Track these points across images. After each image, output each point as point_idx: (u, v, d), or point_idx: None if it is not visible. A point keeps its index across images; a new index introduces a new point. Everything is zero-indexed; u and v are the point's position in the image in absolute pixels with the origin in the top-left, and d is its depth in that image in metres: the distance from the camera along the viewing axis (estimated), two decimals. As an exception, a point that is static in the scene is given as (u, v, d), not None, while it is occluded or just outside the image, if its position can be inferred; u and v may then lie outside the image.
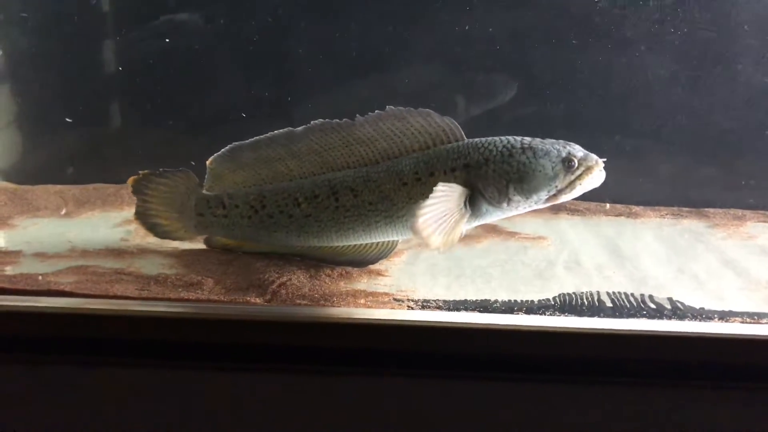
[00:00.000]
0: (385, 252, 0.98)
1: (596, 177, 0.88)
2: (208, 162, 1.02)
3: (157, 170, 1.04)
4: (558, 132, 1.25)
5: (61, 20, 1.37)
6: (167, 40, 1.32)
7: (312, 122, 0.95)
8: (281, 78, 1.34)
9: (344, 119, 0.93)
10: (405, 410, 0.81)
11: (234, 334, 0.83)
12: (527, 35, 1.24)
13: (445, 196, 0.84)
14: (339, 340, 0.82)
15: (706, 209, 1.27)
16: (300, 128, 0.96)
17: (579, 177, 0.87)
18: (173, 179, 1.03)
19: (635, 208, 1.28)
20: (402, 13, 1.28)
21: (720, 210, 1.27)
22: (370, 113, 0.92)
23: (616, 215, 1.25)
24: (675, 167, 1.30)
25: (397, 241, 0.98)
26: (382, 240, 0.97)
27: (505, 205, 0.88)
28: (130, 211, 1.24)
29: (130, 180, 1.04)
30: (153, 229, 1.06)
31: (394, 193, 0.91)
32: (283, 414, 0.82)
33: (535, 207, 0.89)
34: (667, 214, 1.26)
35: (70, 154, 1.43)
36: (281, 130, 0.97)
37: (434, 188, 0.82)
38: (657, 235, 1.16)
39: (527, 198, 0.87)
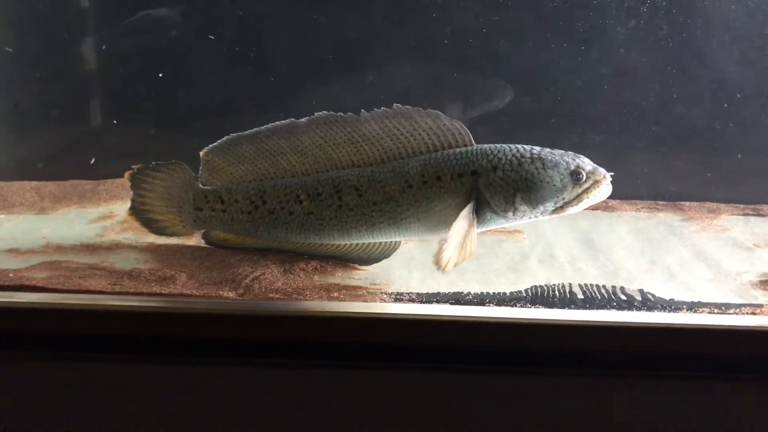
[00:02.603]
0: (388, 251, 0.98)
1: (603, 190, 0.88)
2: (202, 153, 1.00)
3: (150, 164, 1.02)
4: (532, 127, 1.27)
5: (39, 16, 1.37)
6: (145, 36, 1.32)
7: (316, 114, 0.93)
8: (262, 74, 1.34)
9: (349, 113, 0.92)
10: (377, 402, 0.81)
11: (206, 329, 0.83)
12: (501, 32, 1.25)
13: (460, 230, 0.84)
14: (311, 334, 0.82)
15: (682, 202, 1.29)
16: (303, 120, 0.94)
17: (587, 190, 0.88)
18: (169, 173, 1.01)
19: (612, 202, 1.28)
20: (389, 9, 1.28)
21: (695, 203, 1.28)
22: (376, 109, 0.91)
23: (593, 209, 1.26)
24: (652, 161, 1.32)
25: (401, 241, 0.98)
26: (385, 240, 0.97)
27: (510, 214, 0.88)
28: (107, 207, 1.25)
29: (127, 174, 1.02)
30: (149, 225, 1.04)
31: (399, 194, 0.91)
32: (254, 407, 0.82)
33: (541, 218, 0.90)
34: (643, 208, 1.27)
35: (48, 151, 1.42)
36: (283, 122, 0.95)
37: (452, 227, 0.84)
38: (632, 228, 1.17)
39: (533, 208, 0.88)
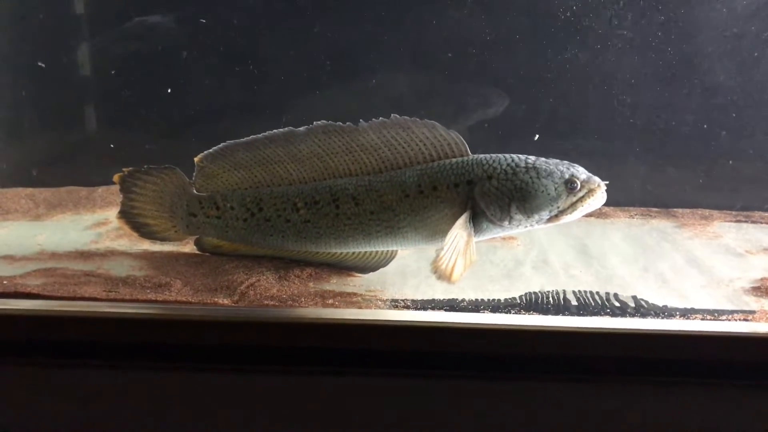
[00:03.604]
0: (385, 260, 0.98)
1: (598, 199, 0.89)
2: (196, 159, 0.99)
3: (142, 167, 1.02)
4: (525, 135, 1.27)
5: (33, 23, 1.37)
6: (140, 43, 1.32)
7: (315, 123, 0.93)
8: (256, 80, 1.34)
9: (347, 123, 0.92)
10: (372, 409, 0.82)
11: (201, 335, 0.83)
12: (494, 37, 1.25)
13: (456, 238, 0.85)
14: (306, 340, 0.83)
15: (675, 209, 1.29)
16: (301, 129, 0.94)
17: (581, 199, 0.88)
18: (161, 177, 1.01)
19: (605, 209, 1.29)
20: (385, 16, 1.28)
21: (688, 210, 1.29)
22: (374, 119, 0.91)
23: (586, 216, 1.25)
24: (645, 168, 1.32)
25: (397, 250, 0.98)
26: (382, 249, 0.97)
27: (506, 223, 0.89)
28: (102, 214, 1.25)
29: (116, 177, 1.02)
30: (139, 229, 1.03)
31: (396, 204, 0.91)
32: (249, 414, 0.82)
33: (537, 227, 0.90)
34: (636, 215, 1.28)
35: (43, 158, 1.42)
36: (280, 130, 0.95)
37: (447, 236, 0.84)
38: (625, 234, 1.17)
39: (529, 217, 0.88)
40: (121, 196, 1.03)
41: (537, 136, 0.90)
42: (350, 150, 0.94)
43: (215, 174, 1.00)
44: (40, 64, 1.32)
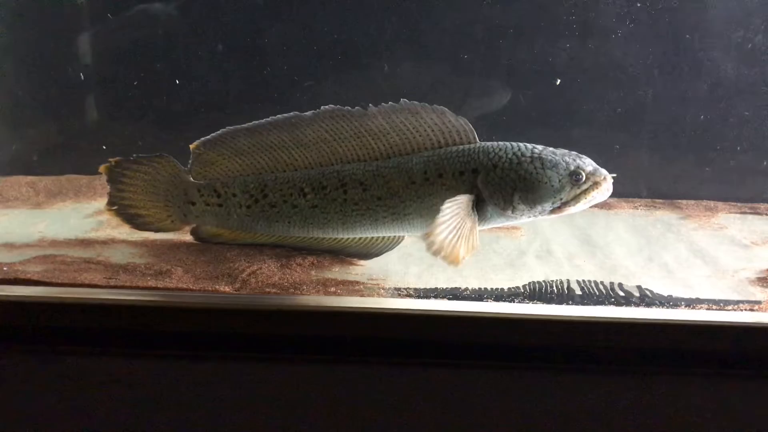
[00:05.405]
0: (389, 246, 0.97)
1: (603, 192, 0.88)
2: (192, 146, 0.98)
3: (131, 156, 0.99)
4: (530, 126, 1.26)
5: (35, 11, 1.36)
6: (141, 31, 1.31)
7: (322, 107, 0.92)
8: (257, 70, 1.33)
9: (356, 107, 0.91)
10: (375, 397, 0.81)
11: (202, 323, 0.82)
12: (495, 28, 1.24)
13: (453, 213, 0.83)
14: (308, 328, 0.82)
15: (679, 201, 1.29)
16: (308, 113, 0.93)
17: (585, 191, 0.87)
18: (153, 166, 0.99)
19: (609, 200, 1.26)
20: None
21: (692, 201, 1.28)
22: (383, 104, 0.90)
23: (590, 207, 1.25)
24: (650, 159, 1.31)
25: (403, 236, 0.97)
26: (387, 235, 0.96)
27: (509, 212, 0.88)
28: (102, 202, 1.23)
29: (102, 168, 0.99)
30: (131, 220, 1.01)
31: (403, 190, 0.91)
32: (249, 402, 0.81)
33: (540, 217, 0.89)
34: (640, 206, 1.27)
35: (44, 146, 1.42)
36: (285, 115, 0.94)
37: (441, 207, 0.82)
38: (629, 225, 1.17)
39: (531, 208, 0.87)
40: (108, 187, 1.00)
41: (558, 81, 0.88)
42: (358, 135, 0.93)
43: (213, 161, 0.98)
44: (81, 75, 1.32)
